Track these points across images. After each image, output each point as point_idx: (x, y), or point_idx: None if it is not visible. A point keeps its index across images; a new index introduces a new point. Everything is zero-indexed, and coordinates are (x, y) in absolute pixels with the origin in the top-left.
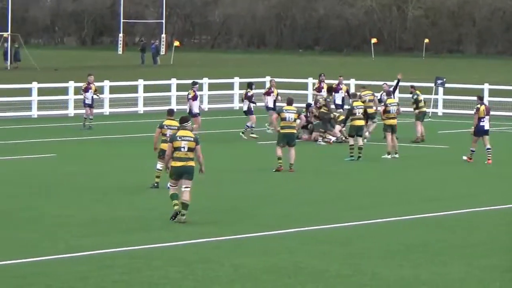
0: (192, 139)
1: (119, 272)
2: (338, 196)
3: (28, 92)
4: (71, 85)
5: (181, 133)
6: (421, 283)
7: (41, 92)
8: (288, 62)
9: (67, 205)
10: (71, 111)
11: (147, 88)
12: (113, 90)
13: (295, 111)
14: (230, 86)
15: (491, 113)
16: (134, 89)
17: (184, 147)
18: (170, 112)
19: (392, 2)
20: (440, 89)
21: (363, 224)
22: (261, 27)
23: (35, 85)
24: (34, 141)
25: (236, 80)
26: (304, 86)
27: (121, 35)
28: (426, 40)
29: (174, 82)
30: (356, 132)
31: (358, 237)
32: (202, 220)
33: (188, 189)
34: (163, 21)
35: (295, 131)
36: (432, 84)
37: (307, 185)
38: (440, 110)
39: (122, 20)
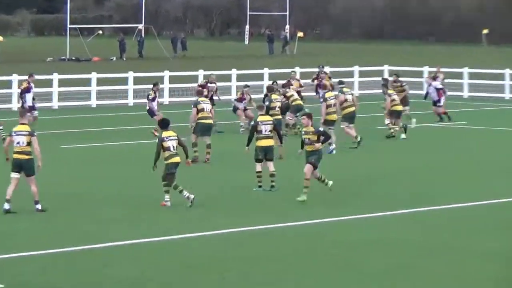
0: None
1: (240, 248)
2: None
3: (161, 79)
4: (201, 73)
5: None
6: None
7: (172, 79)
8: (403, 52)
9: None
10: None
11: (272, 77)
12: (239, 77)
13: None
14: (351, 74)
15: None
16: (260, 76)
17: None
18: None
19: None
20: None
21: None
22: (379, 18)
23: (167, 73)
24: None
25: (356, 69)
26: (420, 74)
27: (247, 26)
28: None
29: (297, 70)
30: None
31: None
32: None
33: None
34: (287, 13)
35: None
36: None
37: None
38: None
39: (248, 13)
